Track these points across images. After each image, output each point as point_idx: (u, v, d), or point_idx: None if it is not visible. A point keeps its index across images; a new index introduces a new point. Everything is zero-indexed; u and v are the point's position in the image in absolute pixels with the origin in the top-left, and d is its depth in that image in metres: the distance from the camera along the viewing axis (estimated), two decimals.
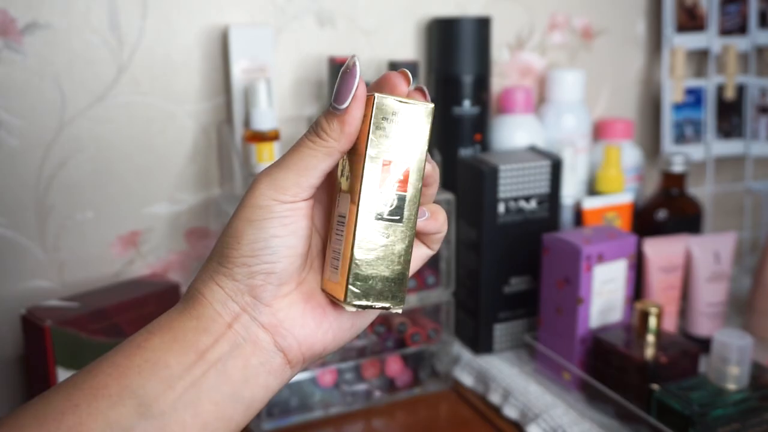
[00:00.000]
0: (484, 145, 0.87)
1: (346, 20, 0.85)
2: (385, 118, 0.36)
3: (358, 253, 0.36)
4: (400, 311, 0.37)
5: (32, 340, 0.67)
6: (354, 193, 0.36)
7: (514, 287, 0.81)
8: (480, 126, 0.86)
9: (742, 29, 1.03)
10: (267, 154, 0.74)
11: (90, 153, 0.76)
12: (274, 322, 0.37)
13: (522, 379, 0.74)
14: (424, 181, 0.37)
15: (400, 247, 0.36)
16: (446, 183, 0.82)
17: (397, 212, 0.36)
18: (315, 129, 0.36)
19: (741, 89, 1.03)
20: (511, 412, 0.71)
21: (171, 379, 0.34)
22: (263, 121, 0.74)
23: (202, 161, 0.81)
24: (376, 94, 0.36)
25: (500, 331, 0.81)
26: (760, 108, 1.04)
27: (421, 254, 0.40)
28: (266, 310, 0.37)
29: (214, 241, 0.83)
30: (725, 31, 1.02)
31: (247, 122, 0.77)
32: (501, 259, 0.79)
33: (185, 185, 0.81)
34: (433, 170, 0.39)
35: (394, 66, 0.83)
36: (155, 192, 0.80)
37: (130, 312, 0.71)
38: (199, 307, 0.36)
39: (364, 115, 0.36)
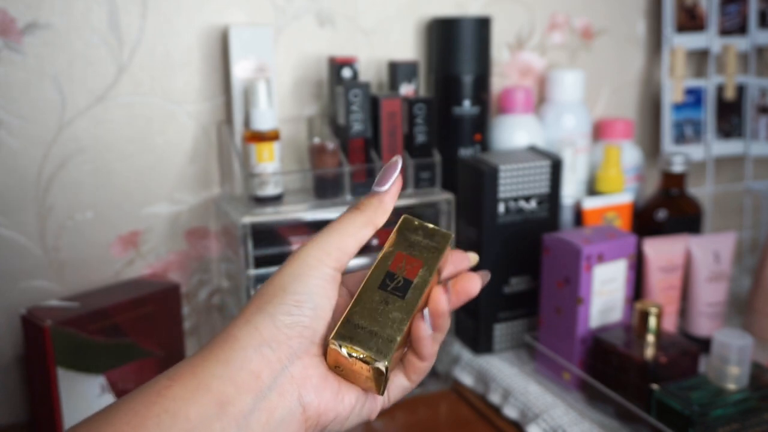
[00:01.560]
0: (484, 145, 0.87)
1: (346, 20, 0.85)
2: (408, 229, 0.43)
3: (355, 305, 0.39)
4: (382, 368, 0.38)
5: (32, 340, 0.67)
6: (369, 269, 0.42)
7: (514, 287, 0.81)
8: (480, 126, 0.86)
9: (742, 29, 1.03)
10: (267, 154, 0.74)
11: (90, 153, 0.76)
12: (303, 376, 0.37)
13: (522, 379, 0.74)
14: (434, 321, 0.40)
15: (396, 315, 0.39)
16: (446, 183, 0.82)
17: (401, 290, 0.40)
18: (357, 204, 0.42)
19: (741, 89, 1.04)
20: (511, 412, 0.71)
21: None
22: (263, 121, 0.74)
23: (202, 161, 0.81)
24: (405, 215, 0.44)
25: (500, 331, 0.81)
26: (760, 108, 1.04)
27: (400, 384, 0.42)
28: (299, 362, 0.37)
29: (214, 241, 0.83)
30: (725, 31, 1.02)
31: (247, 122, 0.77)
32: (501, 259, 0.79)
33: (185, 185, 0.81)
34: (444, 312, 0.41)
35: (394, 66, 0.83)
36: (155, 192, 0.80)
37: (130, 312, 0.71)
38: (230, 351, 0.36)
39: (394, 228, 0.43)
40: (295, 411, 0.37)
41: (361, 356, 0.38)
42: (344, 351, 0.38)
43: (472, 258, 0.45)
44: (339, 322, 0.39)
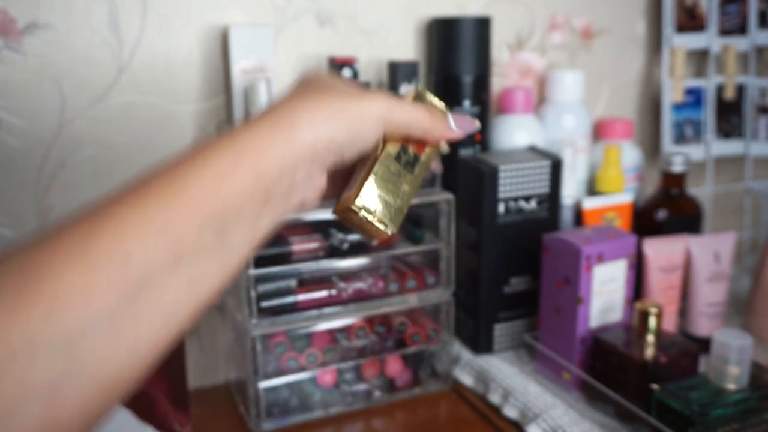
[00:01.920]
0: (484, 145, 0.87)
1: (346, 20, 0.85)
2: None
3: (376, 173, 0.45)
4: (390, 233, 0.45)
5: None
6: (386, 142, 0.47)
7: (514, 287, 0.81)
8: (480, 126, 0.86)
9: (742, 29, 1.03)
10: None
11: (90, 153, 0.76)
12: (319, 184, 0.43)
13: (522, 379, 0.74)
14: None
15: (405, 188, 0.46)
16: (446, 183, 0.82)
17: (411, 165, 0.47)
18: (434, 109, 0.49)
19: (741, 89, 1.04)
20: (511, 412, 0.71)
21: (246, 221, 0.39)
22: None
23: None
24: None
25: (500, 331, 0.81)
26: (760, 108, 1.04)
27: None
28: (321, 174, 0.43)
29: None
30: (725, 31, 1.02)
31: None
32: (501, 259, 0.79)
33: None
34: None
35: (394, 66, 0.83)
36: None
37: None
38: (285, 150, 0.40)
39: None
40: (295, 204, 0.42)
41: (376, 222, 0.44)
42: (362, 214, 0.44)
43: (476, 123, 0.52)
44: (361, 187, 0.44)
